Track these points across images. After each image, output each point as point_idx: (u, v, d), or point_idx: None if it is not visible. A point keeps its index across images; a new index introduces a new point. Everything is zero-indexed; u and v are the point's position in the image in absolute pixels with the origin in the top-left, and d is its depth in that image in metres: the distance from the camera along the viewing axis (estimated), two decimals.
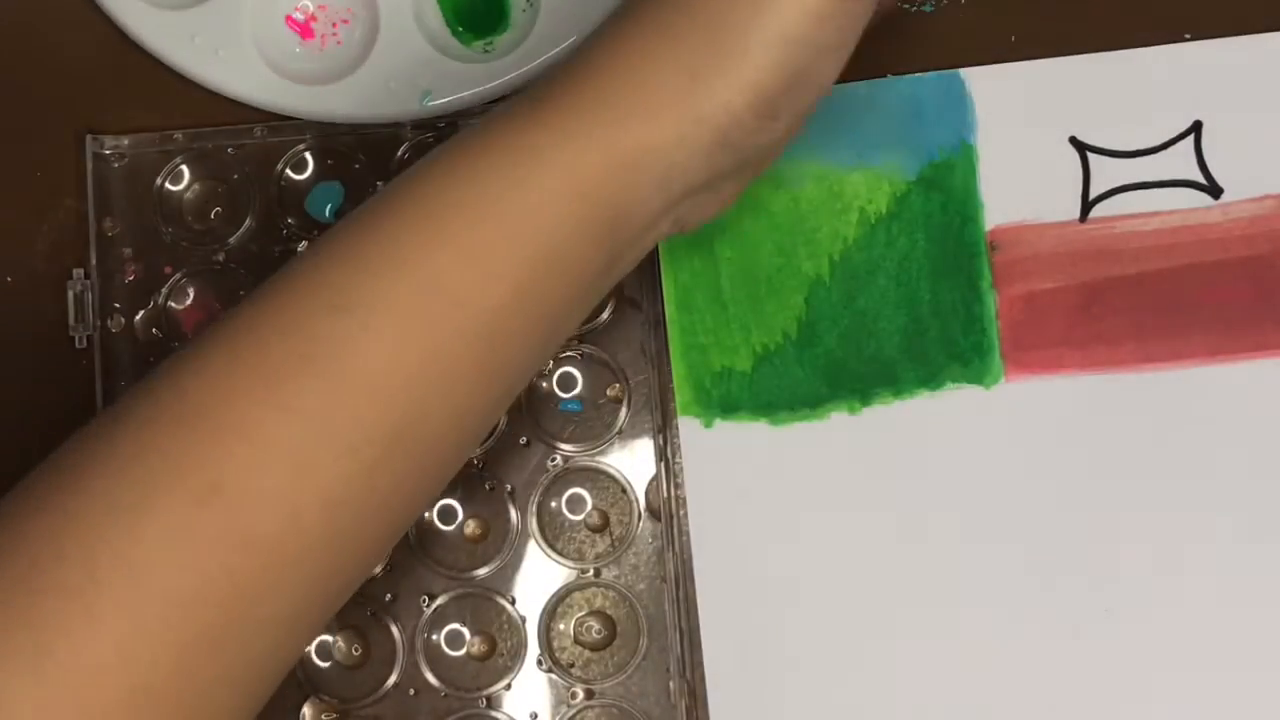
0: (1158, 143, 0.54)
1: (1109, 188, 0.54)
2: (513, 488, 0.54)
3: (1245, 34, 0.54)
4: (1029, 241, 0.54)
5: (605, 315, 0.54)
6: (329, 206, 0.55)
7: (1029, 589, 0.52)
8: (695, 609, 0.53)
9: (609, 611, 0.54)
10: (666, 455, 0.53)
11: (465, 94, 0.54)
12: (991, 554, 0.52)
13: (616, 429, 0.54)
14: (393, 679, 0.53)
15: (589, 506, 0.54)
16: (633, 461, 0.54)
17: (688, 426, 0.53)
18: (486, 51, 0.55)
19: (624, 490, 0.54)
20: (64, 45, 0.56)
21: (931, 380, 0.53)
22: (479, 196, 0.41)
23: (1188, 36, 0.54)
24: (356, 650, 0.53)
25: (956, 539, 0.53)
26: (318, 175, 0.55)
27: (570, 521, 0.54)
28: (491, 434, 0.54)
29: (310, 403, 0.39)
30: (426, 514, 0.54)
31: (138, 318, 0.55)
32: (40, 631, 0.37)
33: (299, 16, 0.56)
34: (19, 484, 0.40)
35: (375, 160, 0.55)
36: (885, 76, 0.54)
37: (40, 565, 0.37)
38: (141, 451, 0.39)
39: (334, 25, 0.56)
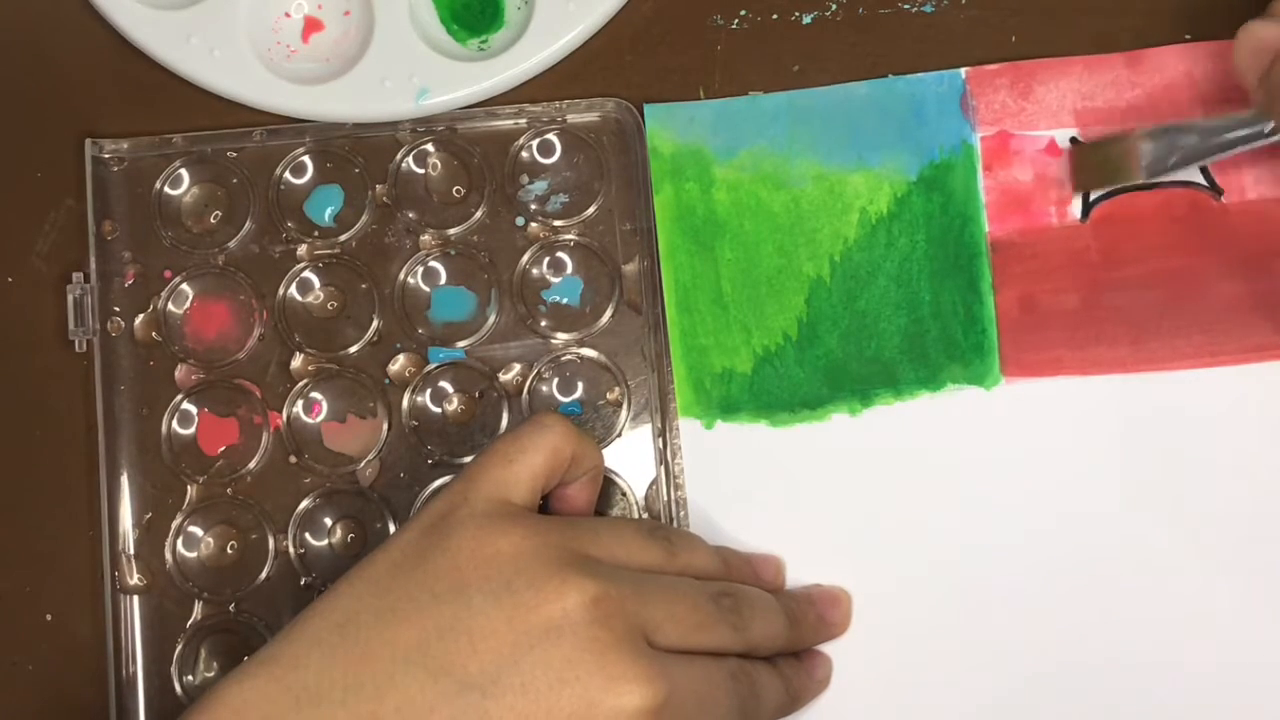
0: None
1: (1109, 188, 0.53)
2: None
3: None
4: (1029, 242, 0.54)
5: (605, 319, 0.54)
6: (329, 210, 0.55)
7: (1028, 589, 0.52)
8: None
9: None
10: (666, 459, 0.53)
11: (461, 92, 0.54)
12: (991, 554, 0.52)
13: (616, 432, 0.54)
14: None
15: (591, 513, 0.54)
16: (633, 465, 0.54)
17: (688, 427, 0.53)
18: (482, 49, 0.55)
19: (624, 494, 0.54)
20: (63, 48, 0.56)
21: (932, 381, 0.53)
22: None
23: (1188, 37, 0.54)
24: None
25: (956, 539, 0.53)
26: (317, 179, 0.55)
27: None
28: None
29: None
30: None
31: (137, 321, 0.55)
32: None
33: (294, 16, 0.56)
34: None
35: (374, 164, 0.55)
36: (885, 76, 0.54)
37: None
38: None
39: (329, 24, 0.56)
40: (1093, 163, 0.53)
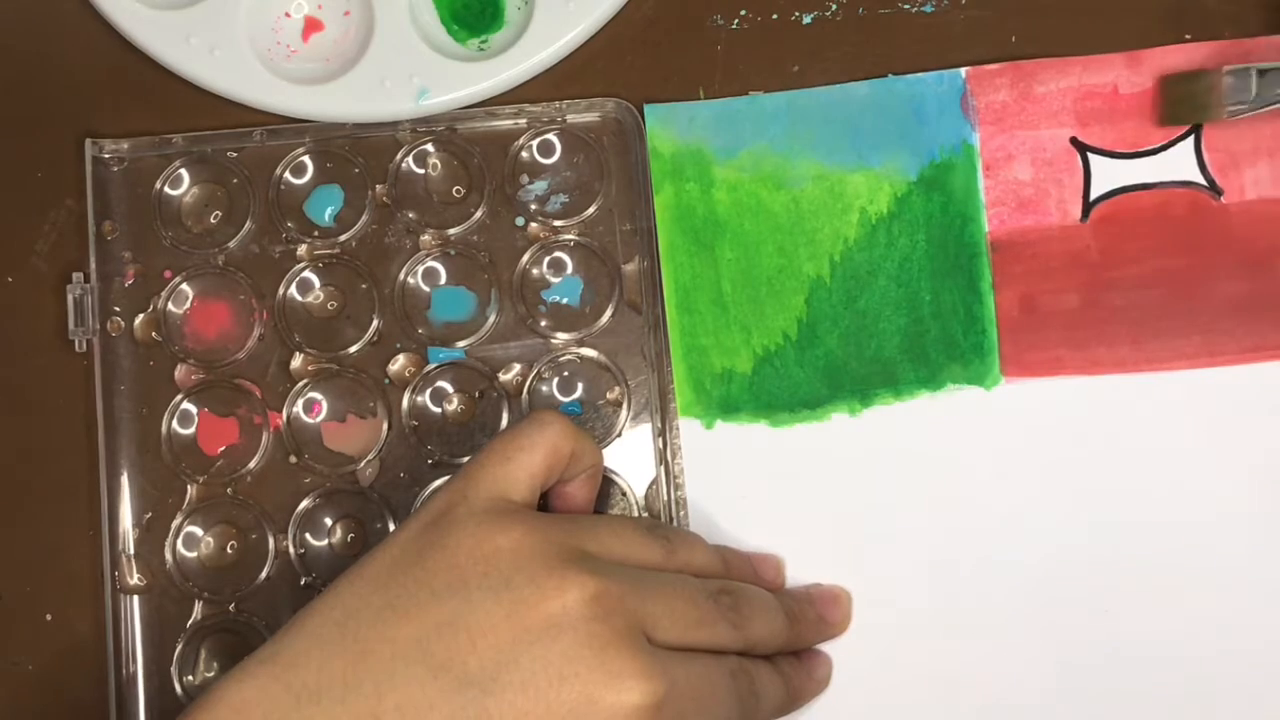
0: (1158, 143, 0.53)
1: (1109, 188, 0.54)
2: None
3: (1245, 36, 0.53)
4: (1029, 242, 0.54)
5: (605, 319, 0.54)
6: (329, 210, 0.55)
7: (1027, 588, 0.52)
8: None
9: None
10: (666, 458, 0.53)
11: (461, 92, 0.54)
12: (991, 553, 0.52)
13: (616, 432, 0.54)
14: None
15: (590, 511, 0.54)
16: (633, 465, 0.54)
17: (688, 427, 0.53)
18: (482, 49, 0.55)
19: (624, 493, 0.54)
20: (63, 48, 0.56)
21: (931, 381, 0.53)
22: None
23: (1188, 37, 0.54)
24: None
25: (956, 539, 0.53)
26: (317, 179, 0.55)
27: None
28: None
29: None
30: None
31: (137, 321, 0.55)
32: None
33: (294, 16, 0.56)
34: None
35: (374, 164, 0.55)
36: (885, 76, 0.54)
37: None
38: None
39: (329, 24, 0.56)
40: (1176, 96, 0.53)
